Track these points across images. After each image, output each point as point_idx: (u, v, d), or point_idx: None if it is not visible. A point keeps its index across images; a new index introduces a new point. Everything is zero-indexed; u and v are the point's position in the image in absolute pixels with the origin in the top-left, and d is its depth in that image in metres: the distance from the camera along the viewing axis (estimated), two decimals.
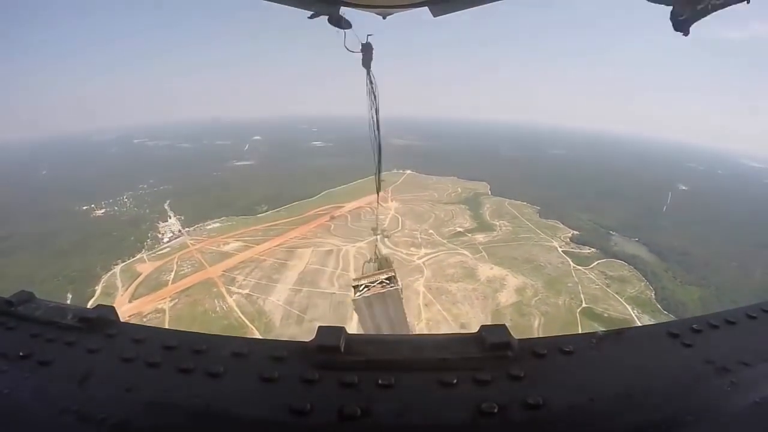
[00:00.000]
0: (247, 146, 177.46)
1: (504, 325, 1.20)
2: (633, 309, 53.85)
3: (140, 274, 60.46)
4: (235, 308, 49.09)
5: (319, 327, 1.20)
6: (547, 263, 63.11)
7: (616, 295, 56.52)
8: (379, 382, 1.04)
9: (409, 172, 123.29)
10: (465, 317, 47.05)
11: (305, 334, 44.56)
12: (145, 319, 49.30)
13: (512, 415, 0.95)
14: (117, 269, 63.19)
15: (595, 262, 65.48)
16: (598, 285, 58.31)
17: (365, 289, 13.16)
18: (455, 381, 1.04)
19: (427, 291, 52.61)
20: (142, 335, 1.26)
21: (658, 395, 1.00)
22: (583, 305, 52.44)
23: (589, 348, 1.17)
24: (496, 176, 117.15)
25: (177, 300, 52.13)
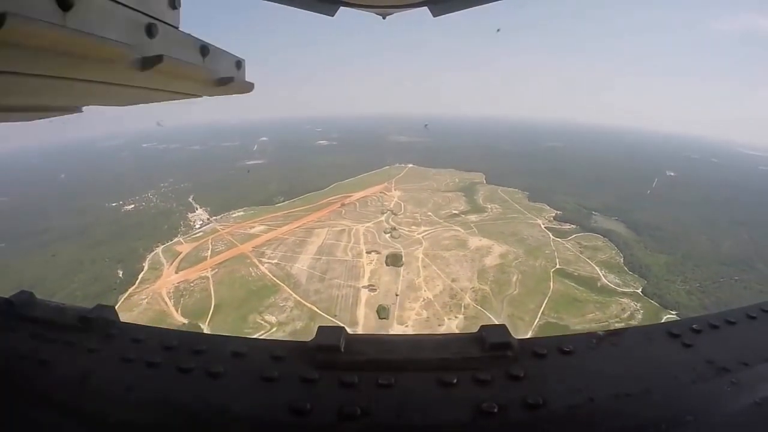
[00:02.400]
0: (255, 146, 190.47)
1: (504, 325, 1.25)
2: (601, 270, 65.33)
3: (180, 253, 72.90)
4: (268, 273, 61.36)
5: (319, 327, 1.24)
6: (530, 236, 74.95)
7: (588, 260, 68.08)
8: (379, 381, 1.06)
9: (410, 165, 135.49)
10: (455, 274, 58.94)
11: (326, 288, 56.87)
12: (191, 285, 61.57)
13: (512, 415, 0.97)
14: (159, 250, 75.64)
15: (573, 236, 77.17)
16: (572, 252, 70.00)
17: None
18: (455, 381, 1.06)
19: (425, 257, 64.66)
20: (141, 335, 1.30)
21: (658, 395, 1.01)
22: (557, 266, 64.04)
23: (589, 348, 1.20)
24: (492, 168, 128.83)
25: (217, 270, 64.50)
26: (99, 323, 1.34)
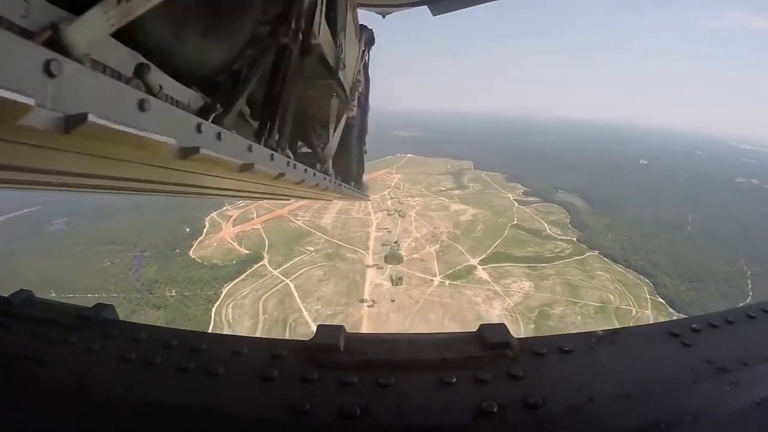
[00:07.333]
0: None
1: (503, 324, 1.29)
2: (548, 225, 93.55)
3: (232, 216, 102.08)
4: (303, 225, 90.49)
5: (319, 326, 1.29)
6: (499, 204, 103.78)
7: (540, 220, 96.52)
8: (379, 381, 1.10)
9: (410, 155, 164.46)
10: (437, 225, 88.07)
11: (348, 232, 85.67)
12: (247, 233, 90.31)
13: (512, 414, 0.99)
14: (213, 214, 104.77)
15: (534, 204, 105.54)
16: (529, 214, 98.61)
17: None
18: (455, 380, 1.09)
19: (417, 216, 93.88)
20: (140, 334, 1.35)
21: (658, 395, 1.05)
22: (514, 222, 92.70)
23: (588, 348, 1.24)
24: (481, 157, 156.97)
25: (264, 225, 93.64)
26: (98, 322, 1.40)
